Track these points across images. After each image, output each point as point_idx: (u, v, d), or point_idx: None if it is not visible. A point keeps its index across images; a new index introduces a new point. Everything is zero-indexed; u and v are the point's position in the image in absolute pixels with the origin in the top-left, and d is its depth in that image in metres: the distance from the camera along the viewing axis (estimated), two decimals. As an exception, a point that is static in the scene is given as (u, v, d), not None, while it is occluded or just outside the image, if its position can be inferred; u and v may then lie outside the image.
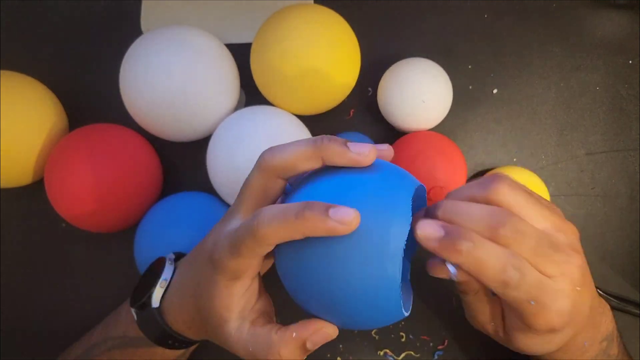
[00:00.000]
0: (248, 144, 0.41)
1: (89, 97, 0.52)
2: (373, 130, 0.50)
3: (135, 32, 0.52)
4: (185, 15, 0.52)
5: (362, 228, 0.25)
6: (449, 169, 0.44)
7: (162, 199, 0.46)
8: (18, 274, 0.51)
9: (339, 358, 0.47)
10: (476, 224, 0.27)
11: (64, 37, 0.53)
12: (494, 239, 0.27)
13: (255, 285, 0.31)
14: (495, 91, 0.51)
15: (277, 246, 0.28)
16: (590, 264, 0.48)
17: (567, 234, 0.29)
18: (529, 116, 0.51)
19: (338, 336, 0.47)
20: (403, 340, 0.47)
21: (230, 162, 0.42)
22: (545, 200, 0.31)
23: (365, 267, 0.25)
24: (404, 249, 0.25)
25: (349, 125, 0.51)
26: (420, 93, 0.45)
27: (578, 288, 0.28)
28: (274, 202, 0.30)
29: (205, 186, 0.46)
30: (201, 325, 0.33)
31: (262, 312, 0.31)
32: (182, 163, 0.51)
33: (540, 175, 0.47)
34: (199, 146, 0.47)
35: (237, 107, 0.48)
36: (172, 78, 0.42)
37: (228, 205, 0.46)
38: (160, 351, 0.37)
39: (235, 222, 0.30)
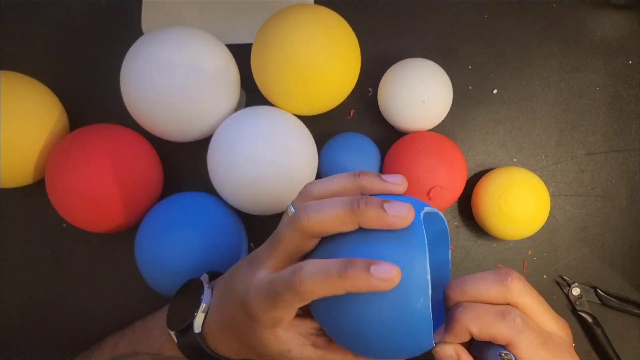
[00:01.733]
0: (248, 144, 0.41)
1: (90, 97, 0.52)
2: (373, 130, 0.50)
3: (135, 32, 0.52)
4: (186, 15, 0.52)
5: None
6: (449, 169, 0.44)
7: (163, 199, 0.46)
8: (18, 274, 0.51)
9: None
10: (485, 294, 0.29)
11: (65, 37, 0.53)
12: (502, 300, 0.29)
13: (300, 323, 0.31)
14: (495, 91, 0.51)
15: None
16: (590, 263, 0.49)
17: (567, 334, 0.30)
18: (529, 116, 0.51)
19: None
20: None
21: (231, 162, 0.42)
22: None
23: (395, 305, 0.26)
24: (429, 283, 0.26)
25: (349, 125, 0.51)
26: (420, 93, 0.45)
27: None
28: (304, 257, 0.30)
29: (206, 186, 0.46)
30: (254, 354, 0.33)
31: (318, 332, 0.31)
32: (182, 163, 0.51)
33: (540, 176, 0.47)
34: (200, 146, 0.47)
35: (238, 107, 0.48)
36: (173, 78, 0.42)
37: (229, 206, 0.46)
38: None
39: (263, 273, 0.30)
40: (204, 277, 0.37)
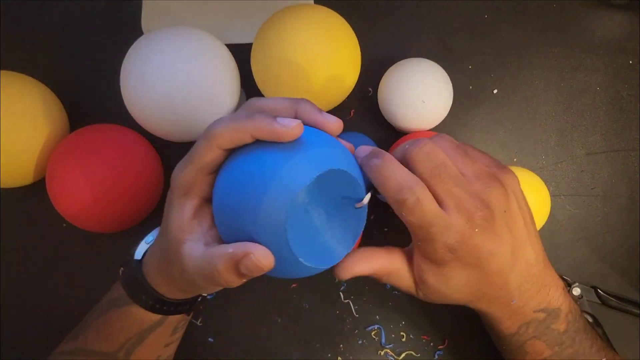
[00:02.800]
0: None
1: (90, 98, 0.52)
2: (373, 130, 0.50)
3: (135, 32, 0.52)
4: (186, 15, 0.52)
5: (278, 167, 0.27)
6: (449, 169, 0.44)
7: None
8: (18, 274, 0.51)
9: (339, 358, 0.47)
10: (398, 150, 0.32)
11: (65, 37, 0.53)
12: (402, 159, 0.31)
13: (208, 212, 0.32)
14: (495, 91, 0.51)
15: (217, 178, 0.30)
16: (590, 263, 0.49)
17: (488, 185, 0.31)
18: (529, 116, 0.51)
19: (338, 336, 0.48)
20: (404, 340, 0.47)
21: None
22: (482, 154, 0.34)
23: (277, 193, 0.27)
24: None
25: (350, 125, 0.51)
26: (420, 93, 0.45)
27: (476, 230, 0.30)
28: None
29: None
30: (167, 265, 0.34)
31: (218, 239, 0.31)
32: (182, 163, 0.51)
33: (540, 175, 0.47)
34: (200, 146, 0.47)
35: (238, 107, 0.48)
36: (173, 78, 0.42)
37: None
38: (134, 311, 0.36)
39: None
40: None
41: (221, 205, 0.30)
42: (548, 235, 0.49)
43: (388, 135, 0.50)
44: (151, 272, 0.36)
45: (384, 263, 0.33)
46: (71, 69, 0.53)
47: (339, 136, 0.48)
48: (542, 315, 0.33)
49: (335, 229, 0.31)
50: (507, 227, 0.31)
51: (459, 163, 0.32)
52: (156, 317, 0.37)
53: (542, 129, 0.51)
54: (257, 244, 0.27)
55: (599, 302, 0.48)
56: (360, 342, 0.48)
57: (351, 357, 0.47)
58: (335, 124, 0.31)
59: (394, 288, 0.48)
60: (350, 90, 0.47)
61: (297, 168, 0.27)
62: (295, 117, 0.30)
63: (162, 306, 0.36)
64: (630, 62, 0.51)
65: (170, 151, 0.51)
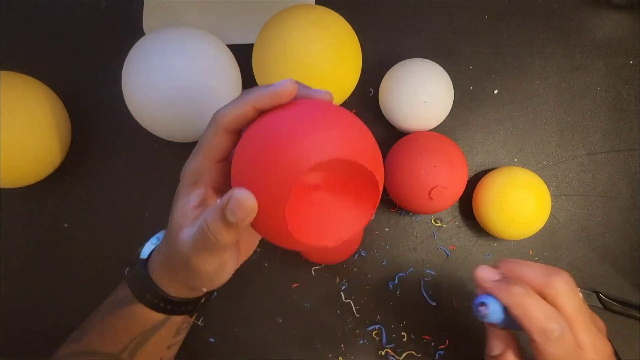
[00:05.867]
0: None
1: (91, 98, 0.52)
2: (374, 130, 0.50)
3: (137, 32, 0.52)
4: (187, 16, 0.52)
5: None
6: (450, 169, 0.44)
7: None
8: (18, 274, 0.51)
9: (340, 358, 0.47)
10: (530, 277, 0.32)
11: (66, 37, 0.53)
12: (541, 287, 0.32)
13: (215, 199, 0.32)
14: (496, 92, 0.51)
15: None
16: (590, 263, 0.49)
17: (599, 355, 0.32)
18: (530, 116, 0.51)
19: (339, 336, 0.48)
20: (405, 340, 0.47)
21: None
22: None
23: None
24: None
25: (350, 125, 0.51)
26: (421, 93, 0.45)
27: None
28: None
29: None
30: (171, 260, 0.34)
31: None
32: (183, 163, 0.51)
33: (541, 175, 0.47)
34: (201, 146, 0.47)
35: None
36: (174, 79, 0.42)
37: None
38: (139, 310, 0.37)
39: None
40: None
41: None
42: (548, 236, 0.49)
43: (389, 135, 0.50)
44: (156, 271, 0.36)
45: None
46: (72, 69, 0.53)
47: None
48: None
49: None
50: None
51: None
52: (160, 316, 0.37)
53: (543, 129, 0.51)
54: (240, 188, 0.27)
55: (602, 306, 0.48)
56: (361, 342, 0.48)
57: (352, 357, 0.47)
58: (287, 85, 0.30)
59: (395, 288, 0.48)
60: (351, 91, 0.47)
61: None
62: (254, 109, 0.30)
63: (167, 305, 0.36)
64: (631, 62, 0.51)
65: (171, 151, 0.51)
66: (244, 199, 0.27)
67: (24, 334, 0.50)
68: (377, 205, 0.29)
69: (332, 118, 0.28)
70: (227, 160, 0.32)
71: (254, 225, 0.29)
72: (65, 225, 0.50)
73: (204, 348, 0.47)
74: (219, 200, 0.28)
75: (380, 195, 0.29)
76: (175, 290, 0.36)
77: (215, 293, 0.48)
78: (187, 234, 0.31)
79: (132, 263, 0.38)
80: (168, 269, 0.35)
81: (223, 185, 0.33)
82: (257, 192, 0.27)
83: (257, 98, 0.28)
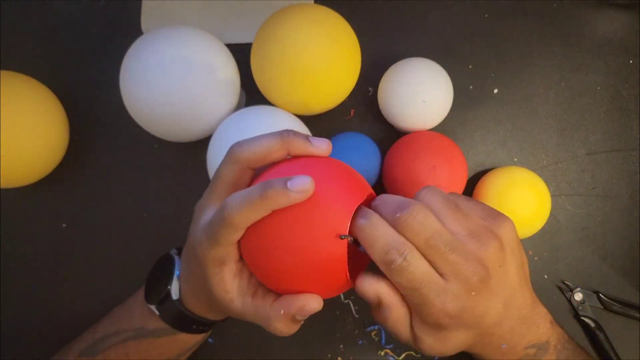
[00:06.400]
0: None
1: (89, 97, 0.52)
2: (373, 130, 0.50)
3: (135, 32, 0.52)
4: (186, 15, 0.52)
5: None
6: (449, 169, 0.44)
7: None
8: (18, 274, 0.51)
9: (339, 358, 0.47)
10: (385, 208, 0.31)
11: (64, 37, 0.53)
12: (392, 223, 0.30)
13: (245, 267, 0.33)
14: (495, 91, 0.51)
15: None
16: (591, 263, 0.49)
17: (484, 243, 0.30)
18: (530, 116, 0.51)
19: (339, 337, 0.47)
20: (403, 340, 0.47)
21: None
22: (474, 204, 0.33)
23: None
24: None
25: (350, 125, 0.51)
26: (420, 93, 0.45)
27: (473, 293, 0.30)
28: None
29: (205, 186, 0.46)
30: (216, 307, 0.35)
31: (259, 284, 0.33)
32: (182, 163, 0.51)
33: (540, 175, 0.47)
34: (199, 146, 0.47)
35: (238, 107, 0.48)
36: (172, 78, 0.42)
37: None
38: (182, 338, 0.40)
39: (209, 212, 0.32)
40: (173, 251, 0.40)
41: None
42: (548, 236, 0.49)
43: (388, 135, 0.50)
44: (196, 308, 0.38)
45: (392, 293, 0.32)
46: (71, 68, 0.53)
47: (339, 136, 0.48)
48: (532, 350, 0.34)
49: None
50: (502, 281, 0.31)
51: (451, 221, 0.31)
52: (200, 335, 0.41)
53: (543, 128, 0.51)
54: (305, 295, 0.29)
55: (602, 306, 0.48)
56: (360, 342, 0.48)
57: (351, 358, 0.47)
58: (326, 149, 0.31)
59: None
60: (350, 90, 0.47)
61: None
62: (288, 154, 0.31)
63: (211, 325, 0.40)
64: (631, 61, 0.51)
65: (170, 151, 0.51)
66: (315, 304, 0.29)
67: (24, 334, 0.50)
68: None
69: (339, 170, 0.31)
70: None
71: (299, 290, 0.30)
72: (64, 225, 0.50)
73: (203, 349, 0.47)
74: (281, 311, 0.30)
75: None
76: (213, 316, 0.39)
77: None
78: (238, 305, 0.32)
79: (162, 301, 0.38)
80: (212, 309, 0.38)
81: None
82: (301, 257, 0.28)
83: (277, 204, 0.28)
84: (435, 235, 0.29)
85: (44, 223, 0.51)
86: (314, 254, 0.28)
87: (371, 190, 0.32)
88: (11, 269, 0.51)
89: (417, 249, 0.29)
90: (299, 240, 0.28)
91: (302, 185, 0.27)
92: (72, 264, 0.50)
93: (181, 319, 0.38)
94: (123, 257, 0.50)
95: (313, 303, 0.29)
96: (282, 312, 0.30)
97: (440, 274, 0.30)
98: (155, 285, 0.39)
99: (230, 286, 0.32)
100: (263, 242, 0.29)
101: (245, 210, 0.28)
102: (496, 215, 0.33)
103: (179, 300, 0.38)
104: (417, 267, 0.29)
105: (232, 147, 0.31)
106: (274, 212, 0.28)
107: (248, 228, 0.29)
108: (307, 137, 0.30)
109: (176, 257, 0.39)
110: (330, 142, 0.31)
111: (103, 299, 0.50)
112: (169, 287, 0.37)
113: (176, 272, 0.38)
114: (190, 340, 0.41)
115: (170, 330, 0.39)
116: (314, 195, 0.28)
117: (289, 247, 0.28)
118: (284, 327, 0.30)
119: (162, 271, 0.39)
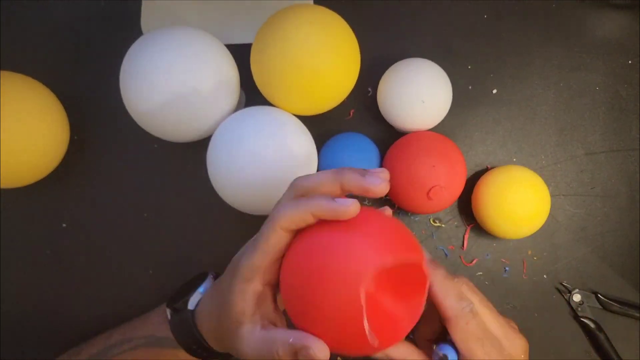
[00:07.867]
0: (248, 144, 0.41)
1: (90, 98, 0.52)
2: (373, 130, 0.50)
3: (135, 32, 0.52)
4: (186, 15, 0.52)
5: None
6: (448, 169, 0.44)
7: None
8: (18, 274, 0.51)
9: (339, 358, 0.47)
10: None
11: (64, 37, 0.53)
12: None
13: (269, 296, 0.33)
14: (494, 91, 0.51)
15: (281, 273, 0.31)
16: (590, 263, 0.49)
17: (514, 346, 0.33)
18: (529, 116, 0.51)
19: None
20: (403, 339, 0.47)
21: (231, 163, 0.42)
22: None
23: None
24: None
25: (349, 125, 0.51)
26: (420, 93, 0.45)
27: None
28: None
29: (205, 186, 0.46)
30: (222, 333, 0.35)
31: (275, 321, 0.33)
32: (182, 163, 0.51)
33: (540, 175, 0.47)
34: (199, 146, 0.47)
35: (237, 108, 0.48)
36: (173, 78, 0.42)
37: None
38: (183, 356, 0.40)
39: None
40: (211, 271, 0.42)
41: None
42: (548, 235, 0.49)
43: (387, 135, 0.50)
44: (203, 326, 0.38)
45: None
46: (71, 69, 0.53)
47: (338, 136, 0.48)
48: None
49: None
50: None
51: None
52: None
53: (542, 128, 0.51)
54: (316, 338, 0.29)
55: (600, 307, 0.48)
56: (359, 342, 0.48)
57: (351, 358, 0.47)
58: (380, 186, 0.30)
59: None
60: (349, 90, 0.47)
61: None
62: (341, 189, 0.31)
63: (209, 355, 0.40)
64: (630, 62, 0.51)
65: (170, 151, 0.51)
66: (319, 352, 0.28)
67: (24, 334, 0.50)
68: (425, 297, 0.31)
69: (377, 224, 0.30)
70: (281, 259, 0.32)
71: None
72: (64, 225, 0.50)
73: None
74: (290, 339, 0.29)
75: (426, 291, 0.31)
76: (218, 346, 0.39)
77: None
78: (248, 334, 0.32)
79: (177, 309, 0.39)
80: (217, 334, 0.37)
81: (277, 282, 0.33)
82: (320, 306, 0.28)
83: (319, 209, 0.29)
84: (486, 301, 0.33)
85: (44, 223, 0.51)
86: (333, 297, 0.28)
87: (419, 257, 0.31)
88: (11, 269, 0.51)
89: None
90: (326, 277, 0.28)
91: (347, 202, 0.28)
92: (72, 264, 0.50)
93: (186, 331, 0.39)
94: (123, 257, 0.50)
95: (317, 349, 0.28)
96: (291, 340, 0.29)
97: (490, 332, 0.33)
98: (180, 294, 0.41)
99: (248, 309, 0.32)
100: (297, 266, 0.29)
101: (290, 209, 0.29)
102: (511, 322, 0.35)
103: (193, 311, 0.39)
104: (480, 321, 0.32)
105: (294, 181, 0.32)
106: (314, 241, 0.29)
107: (288, 251, 0.30)
108: (363, 171, 0.30)
109: (210, 276, 0.41)
110: (384, 182, 0.30)
111: (103, 299, 0.50)
112: (190, 295, 0.39)
113: (201, 288, 0.40)
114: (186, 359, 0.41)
115: (174, 342, 0.39)
116: (351, 238, 0.28)
117: (317, 279, 0.28)
118: (284, 355, 0.30)
119: (191, 285, 0.41)
